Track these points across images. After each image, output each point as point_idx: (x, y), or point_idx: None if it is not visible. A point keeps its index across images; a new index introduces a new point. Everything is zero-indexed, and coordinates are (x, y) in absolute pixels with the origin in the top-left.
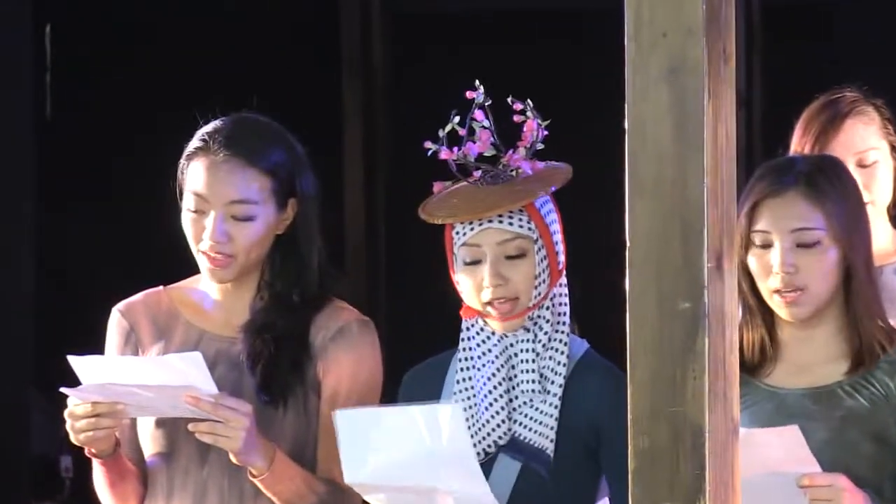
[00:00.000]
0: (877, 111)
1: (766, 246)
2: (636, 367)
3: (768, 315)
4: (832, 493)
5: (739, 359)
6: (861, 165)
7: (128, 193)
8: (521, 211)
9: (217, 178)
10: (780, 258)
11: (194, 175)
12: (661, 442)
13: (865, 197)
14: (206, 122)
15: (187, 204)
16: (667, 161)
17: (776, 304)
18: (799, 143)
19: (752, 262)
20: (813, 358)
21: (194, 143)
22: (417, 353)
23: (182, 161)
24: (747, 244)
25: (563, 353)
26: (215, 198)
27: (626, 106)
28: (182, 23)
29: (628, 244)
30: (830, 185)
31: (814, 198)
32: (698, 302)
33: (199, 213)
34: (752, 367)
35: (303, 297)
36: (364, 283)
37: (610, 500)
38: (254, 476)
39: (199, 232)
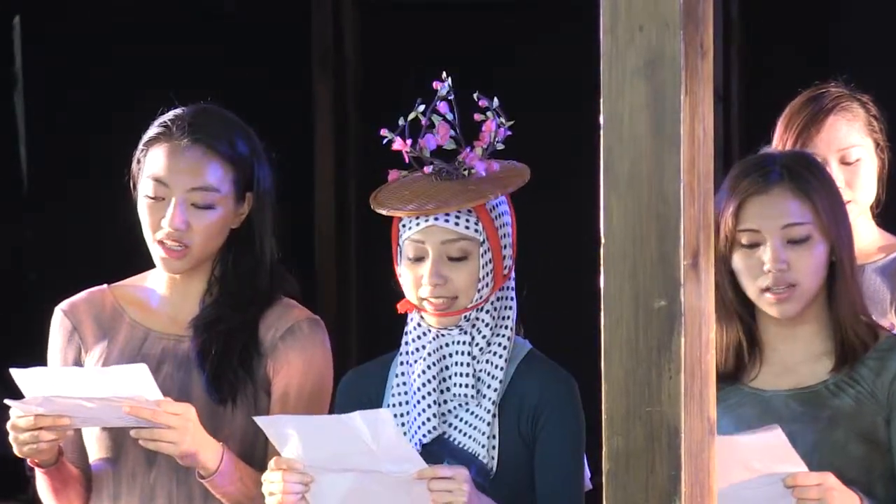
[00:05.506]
0: (862, 107)
1: (754, 245)
2: (611, 366)
3: (748, 316)
4: (821, 492)
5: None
6: (844, 162)
7: (87, 191)
8: (469, 212)
9: (179, 164)
10: (771, 255)
11: (154, 160)
12: (635, 442)
13: (847, 195)
14: (167, 111)
15: (145, 190)
16: (643, 156)
17: (765, 302)
18: (780, 140)
19: (738, 261)
20: (797, 357)
21: (154, 129)
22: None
23: (140, 148)
24: (732, 244)
25: (501, 356)
26: (176, 183)
27: (601, 100)
28: (154, 15)
29: (603, 241)
30: (815, 179)
31: (801, 192)
32: (674, 300)
33: (158, 199)
34: (729, 374)
35: (254, 294)
36: (334, 276)
37: (538, 496)
38: (202, 477)
39: (157, 220)
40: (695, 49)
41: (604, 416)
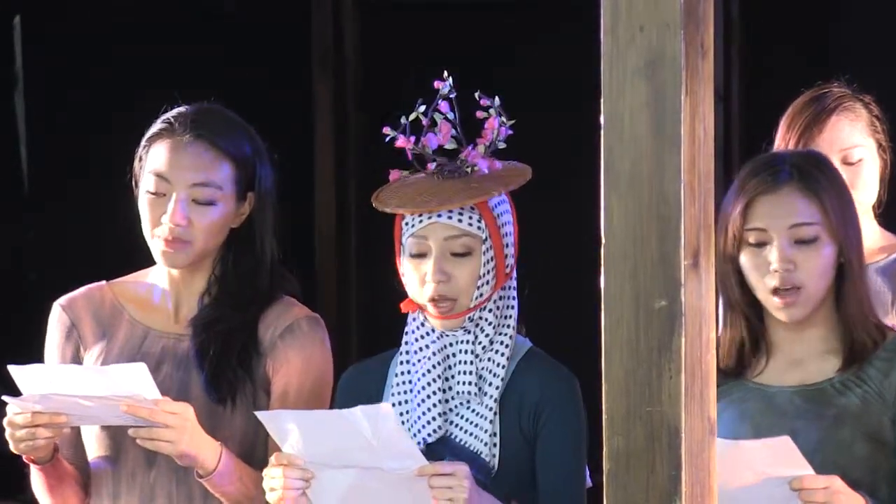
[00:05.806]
0: (864, 108)
1: (762, 244)
2: (611, 366)
3: (755, 317)
4: (827, 495)
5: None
6: (846, 163)
7: (87, 191)
8: (472, 209)
9: (181, 159)
10: (778, 255)
11: (156, 156)
12: (636, 442)
13: None
14: (170, 108)
15: (146, 186)
16: (643, 156)
17: (773, 305)
18: (783, 139)
19: (746, 260)
20: (804, 354)
21: (157, 125)
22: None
23: (142, 144)
24: (740, 242)
25: (503, 354)
26: (178, 179)
27: (601, 100)
28: (154, 15)
29: (603, 241)
30: (825, 178)
31: (810, 192)
32: (675, 300)
33: (159, 195)
34: (734, 369)
35: (254, 294)
36: (334, 277)
37: (539, 494)
38: (200, 477)
39: (158, 215)
40: (695, 49)
41: (604, 416)
